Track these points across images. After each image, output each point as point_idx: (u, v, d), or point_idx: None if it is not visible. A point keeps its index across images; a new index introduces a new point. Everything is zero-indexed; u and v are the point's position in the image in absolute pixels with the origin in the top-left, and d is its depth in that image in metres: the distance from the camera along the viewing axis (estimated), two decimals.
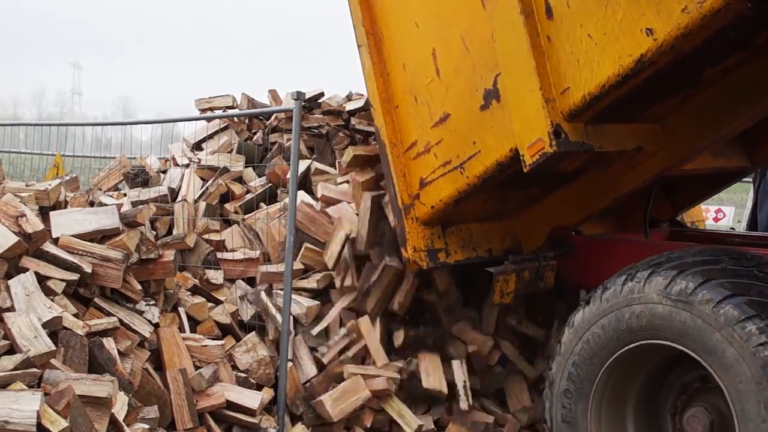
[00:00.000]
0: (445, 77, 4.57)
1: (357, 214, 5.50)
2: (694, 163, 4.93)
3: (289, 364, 5.17)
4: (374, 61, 4.93)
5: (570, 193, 5.03)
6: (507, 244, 5.21)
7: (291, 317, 5.25)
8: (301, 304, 5.39)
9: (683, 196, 5.82)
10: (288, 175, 6.48)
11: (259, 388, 5.10)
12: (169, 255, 5.04)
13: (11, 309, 4.09)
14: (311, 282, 5.59)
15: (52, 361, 3.90)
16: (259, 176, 6.81)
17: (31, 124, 11.33)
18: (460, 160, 4.53)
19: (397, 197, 4.87)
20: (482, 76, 4.31)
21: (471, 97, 4.40)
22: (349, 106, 7.19)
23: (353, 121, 6.97)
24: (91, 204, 5.91)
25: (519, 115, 3.98)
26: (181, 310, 5.22)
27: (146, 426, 4.15)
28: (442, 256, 4.93)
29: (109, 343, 4.28)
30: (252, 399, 4.83)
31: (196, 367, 4.85)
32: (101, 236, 4.73)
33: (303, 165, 6.65)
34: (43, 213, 4.78)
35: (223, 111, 7.37)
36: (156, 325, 4.84)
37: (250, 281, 5.84)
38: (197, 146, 7.30)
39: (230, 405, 4.79)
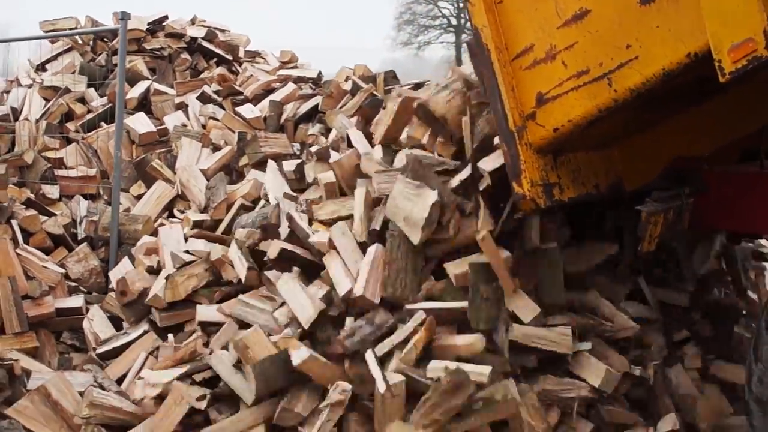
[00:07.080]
0: None
1: None
2: None
3: None
4: None
5: (705, 115, 4.10)
6: (611, 179, 4.27)
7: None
8: None
9: None
10: (128, 96, 6.74)
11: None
12: (1, 169, 5.21)
13: None
14: None
15: None
16: (102, 96, 6.99)
17: None
18: (604, 69, 3.53)
19: (507, 117, 3.84)
20: None
21: None
22: (191, 31, 7.41)
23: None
24: None
25: (716, 8, 3.11)
26: (13, 222, 5.42)
27: None
28: (557, 192, 3.96)
29: None
30: (76, 300, 5.11)
31: (28, 277, 5.09)
32: None
33: (143, 86, 6.87)
34: None
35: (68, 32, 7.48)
36: None
37: (87, 197, 6.07)
38: (41, 67, 7.40)
39: (60, 313, 5.02)
